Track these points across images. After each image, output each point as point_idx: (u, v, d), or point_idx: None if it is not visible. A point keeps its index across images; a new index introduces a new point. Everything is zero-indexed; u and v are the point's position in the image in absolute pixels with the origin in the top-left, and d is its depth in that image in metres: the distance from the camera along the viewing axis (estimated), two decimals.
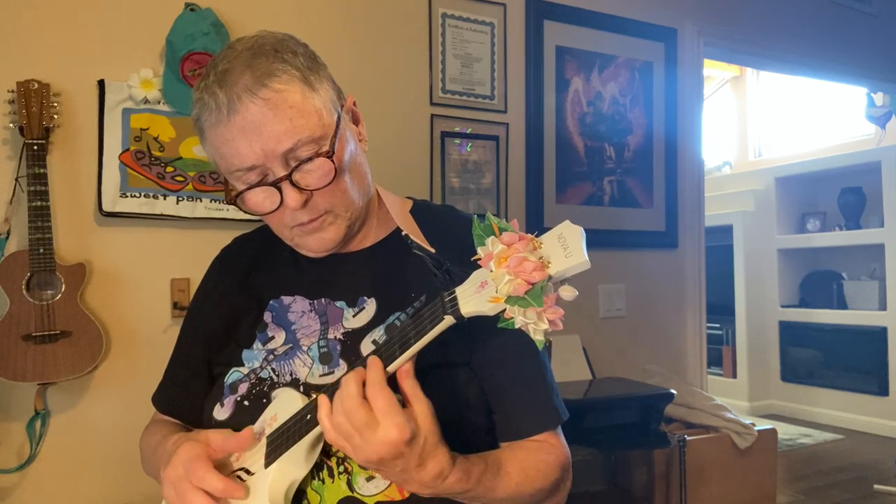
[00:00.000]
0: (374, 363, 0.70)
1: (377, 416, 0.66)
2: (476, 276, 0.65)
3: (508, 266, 0.59)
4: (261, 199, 0.83)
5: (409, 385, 0.70)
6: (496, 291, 0.61)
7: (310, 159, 0.80)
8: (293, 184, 0.80)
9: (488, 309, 0.63)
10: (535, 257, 0.60)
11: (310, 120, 0.80)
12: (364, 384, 0.68)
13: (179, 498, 0.75)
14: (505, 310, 0.61)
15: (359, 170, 0.88)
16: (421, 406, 0.69)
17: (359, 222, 0.90)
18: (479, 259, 0.63)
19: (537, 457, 0.84)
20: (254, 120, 0.78)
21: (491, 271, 0.61)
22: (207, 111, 0.80)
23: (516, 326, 0.61)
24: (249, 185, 0.82)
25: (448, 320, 0.66)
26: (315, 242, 0.87)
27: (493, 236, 0.62)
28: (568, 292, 0.61)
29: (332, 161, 0.80)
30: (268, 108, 0.78)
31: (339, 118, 0.84)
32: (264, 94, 0.78)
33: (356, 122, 0.91)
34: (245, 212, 0.85)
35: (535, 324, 0.60)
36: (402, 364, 0.70)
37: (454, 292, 0.67)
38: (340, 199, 0.85)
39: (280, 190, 0.81)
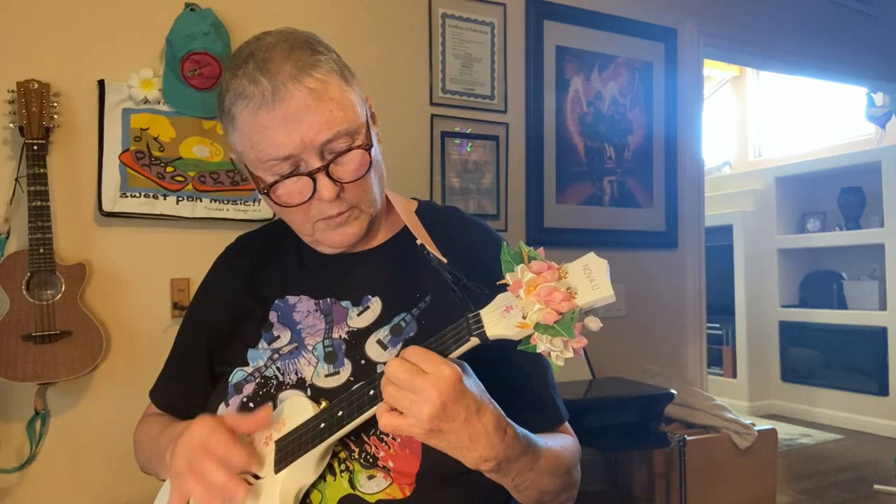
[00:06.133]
0: (408, 344, 0.72)
1: (423, 366, 0.67)
2: (501, 299, 0.67)
3: (539, 295, 0.61)
4: (293, 189, 0.82)
5: None
6: (524, 318, 0.63)
7: (347, 150, 0.81)
8: (328, 175, 0.81)
9: (514, 334, 0.64)
10: (563, 287, 0.62)
11: (347, 113, 0.81)
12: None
13: (192, 467, 0.73)
14: (531, 335, 0.63)
15: (381, 168, 0.90)
16: None
17: (376, 221, 0.92)
18: (508, 285, 0.65)
19: (563, 437, 0.87)
20: (297, 108, 0.78)
21: (520, 298, 0.63)
22: (245, 99, 0.79)
23: (538, 351, 0.63)
24: (283, 176, 0.81)
25: (473, 341, 0.68)
26: (340, 237, 0.87)
27: (522, 264, 0.64)
28: (594, 323, 0.63)
29: (369, 154, 0.82)
30: (312, 98, 0.78)
31: (367, 114, 0.86)
32: (309, 83, 0.78)
33: (374, 122, 0.92)
34: (275, 202, 0.84)
35: (560, 352, 0.62)
36: None
37: (479, 315, 0.68)
38: (367, 194, 0.86)
39: (314, 181, 0.81)
